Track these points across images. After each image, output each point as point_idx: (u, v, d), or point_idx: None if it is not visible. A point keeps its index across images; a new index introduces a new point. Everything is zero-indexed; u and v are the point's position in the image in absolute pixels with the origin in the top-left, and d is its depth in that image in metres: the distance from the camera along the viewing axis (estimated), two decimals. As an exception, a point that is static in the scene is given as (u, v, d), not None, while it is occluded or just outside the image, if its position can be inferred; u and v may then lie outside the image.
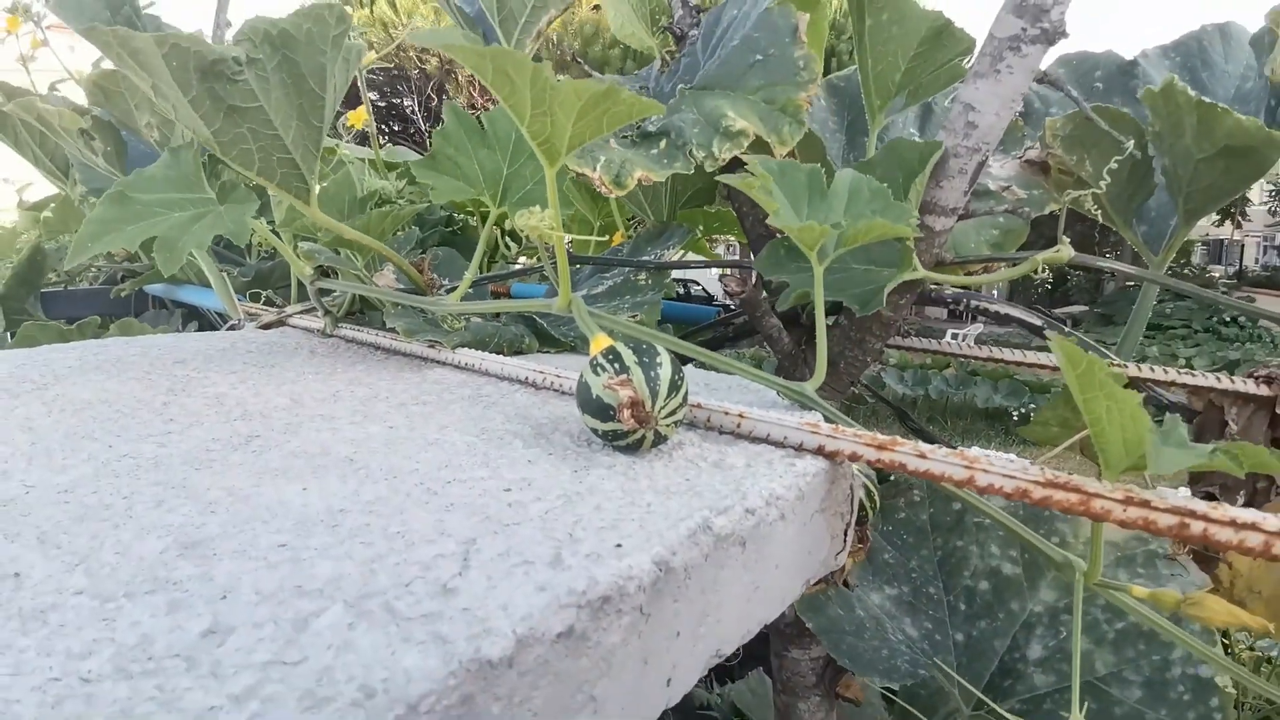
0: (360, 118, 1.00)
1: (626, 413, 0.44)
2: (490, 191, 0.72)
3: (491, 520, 0.36)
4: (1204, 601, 0.47)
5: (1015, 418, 6.70)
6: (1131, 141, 0.77)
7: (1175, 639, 0.49)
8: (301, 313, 0.91)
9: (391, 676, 0.23)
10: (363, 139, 1.27)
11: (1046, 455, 0.82)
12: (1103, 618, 0.69)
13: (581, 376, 0.48)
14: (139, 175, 0.68)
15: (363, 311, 0.90)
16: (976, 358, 0.90)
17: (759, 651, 1.35)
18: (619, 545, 0.33)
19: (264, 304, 1.08)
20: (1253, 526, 0.36)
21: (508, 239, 1.13)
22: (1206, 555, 0.81)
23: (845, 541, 0.51)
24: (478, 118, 0.73)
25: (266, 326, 0.91)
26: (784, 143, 0.68)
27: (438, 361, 0.71)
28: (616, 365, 0.46)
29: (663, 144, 0.70)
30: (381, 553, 0.32)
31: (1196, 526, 0.36)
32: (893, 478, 0.82)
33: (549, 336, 0.81)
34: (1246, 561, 0.79)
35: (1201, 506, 0.36)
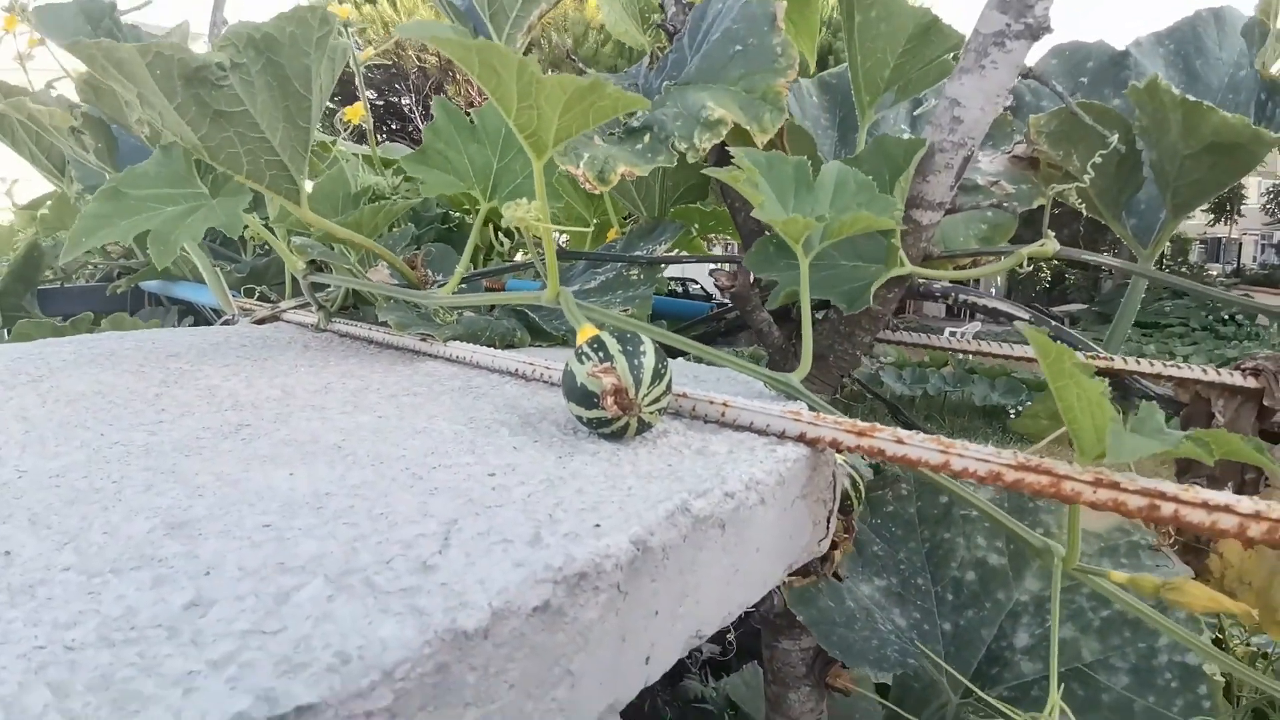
0: (358, 113, 1.00)
1: (610, 399, 0.44)
2: (480, 186, 0.72)
3: (474, 502, 0.36)
4: (1184, 587, 0.47)
5: (1012, 415, 6.71)
6: (1116, 136, 0.77)
7: (1159, 626, 0.49)
8: (295, 308, 0.92)
9: (368, 644, 0.24)
10: (360, 136, 1.27)
11: (1035, 447, 0.83)
12: (1088, 605, 0.70)
13: (567, 365, 0.48)
14: (131, 171, 0.68)
15: (356, 306, 0.90)
16: (968, 351, 0.91)
17: (753, 647, 1.36)
18: (598, 525, 0.34)
19: (258, 299, 1.08)
20: (1225, 509, 0.37)
21: (501, 235, 1.14)
22: (1197, 547, 0.82)
23: (828, 528, 0.52)
24: (468, 114, 0.74)
25: (261, 321, 0.92)
26: (765, 130, 0.69)
27: (430, 355, 0.72)
28: (601, 353, 0.46)
29: (646, 139, 0.70)
30: (364, 533, 0.33)
31: (1167, 508, 0.36)
32: (883, 468, 0.83)
33: (541, 330, 0.82)
34: (1237, 552, 0.79)
35: (1172, 489, 0.37)
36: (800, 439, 0.47)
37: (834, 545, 0.61)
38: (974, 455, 0.40)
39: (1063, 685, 0.67)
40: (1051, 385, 0.39)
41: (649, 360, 0.47)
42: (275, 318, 0.92)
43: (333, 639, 0.24)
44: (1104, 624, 0.70)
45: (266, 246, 1.35)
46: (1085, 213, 0.91)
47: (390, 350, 0.75)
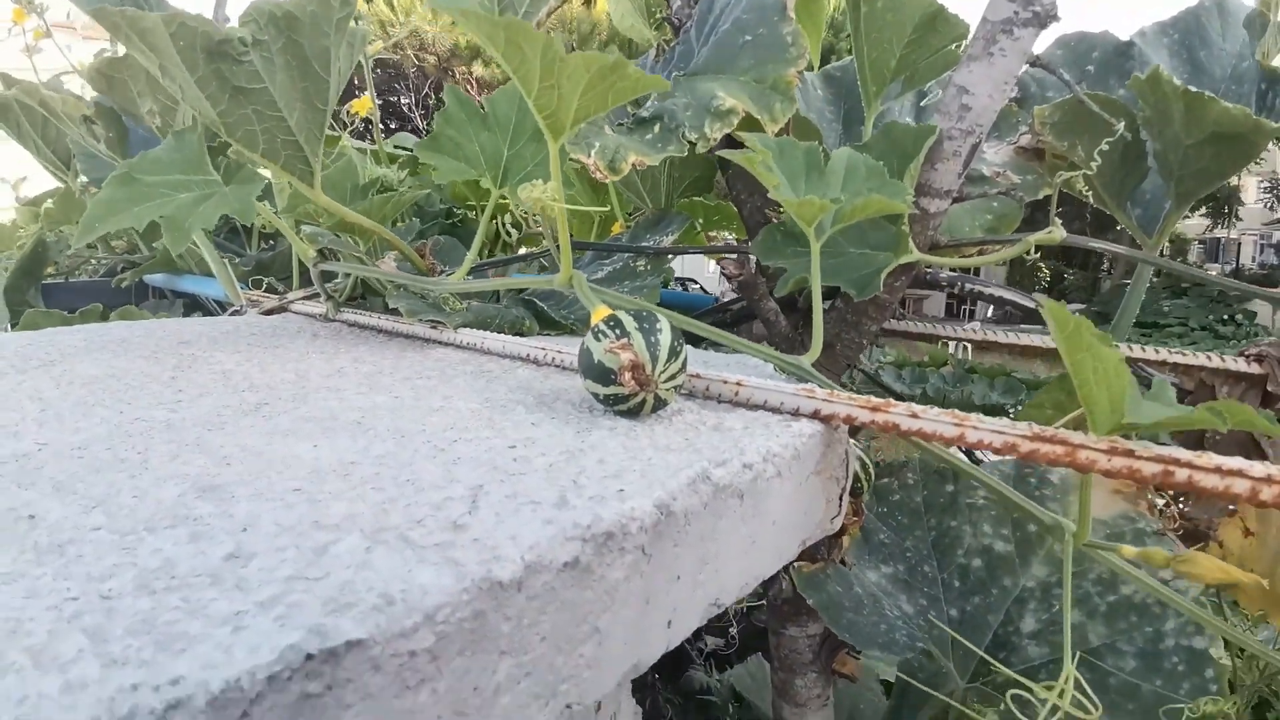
0: (365, 105, 1.01)
1: (627, 375, 0.45)
2: (491, 173, 0.73)
3: (498, 470, 0.37)
4: (1195, 559, 0.48)
5: (1012, 414, 6.72)
6: (1122, 124, 0.78)
7: (1170, 602, 0.50)
8: (303, 299, 0.92)
9: (409, 589, 0.25)
10: (361, 135, 1.27)
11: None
12: (1094, 590, 0.70)
13: (584, 344, 0.49)
14: (144, 157, 0.69)
15: (364, 297, 0.91)
16: (972, 340, 0.92)
17: (755, 643, 1.37)
18: (621, 490, 0.34)
19: (265, 291, 1.09)
20: (1238, 473, 0.37)
21: (509, 227, 1.14)
22: (1196, 533, 0.83)
23: (840, 506, 0.52)
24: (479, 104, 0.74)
25: (269, 312, 0.92)
26: (775, 120, 0.69)
27: (440, 342, 0.72)
28: (618, 330, 0.47)
29: (656, 128, 0.71)
30: (393, 496, 0.33)
31: (1181, 474, 0.37)
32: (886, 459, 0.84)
33: (550, 319, 0.82)
34: (1238, 539, 0.79)
35: (1186, 455, 0.37)
36: (815, 415, 0.48)
37: (842, 530, 0.61)
38: (989, 427, 0.41)
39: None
40: (1067, 359, 0.40)
41: (665, 338, 0.47)
42: (283, 309, 0.93)
43: (375, 583, 0.25)
44: (1111, 608, 0.70)
45: (271, 240, 1.35)
46: (1091, 203, 0.91)
47: (400, 338, 0.75)
